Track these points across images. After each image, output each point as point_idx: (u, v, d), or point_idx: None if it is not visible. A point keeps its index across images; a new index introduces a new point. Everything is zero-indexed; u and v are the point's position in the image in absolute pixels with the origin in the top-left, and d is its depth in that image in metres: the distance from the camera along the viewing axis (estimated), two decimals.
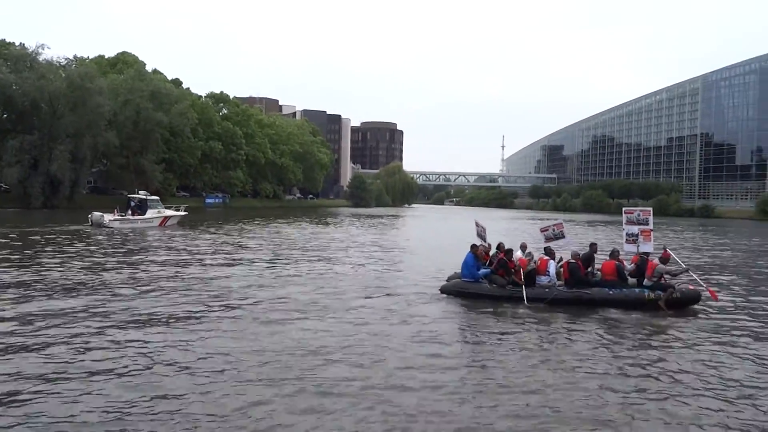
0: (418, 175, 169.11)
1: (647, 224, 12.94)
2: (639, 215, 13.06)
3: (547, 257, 12.34)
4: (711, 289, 12.76)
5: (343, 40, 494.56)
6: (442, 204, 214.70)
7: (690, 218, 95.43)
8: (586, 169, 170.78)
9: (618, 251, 12.68)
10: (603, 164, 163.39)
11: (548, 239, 13.28)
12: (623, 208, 13.92)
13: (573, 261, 12.17)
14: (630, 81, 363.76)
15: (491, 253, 13.37)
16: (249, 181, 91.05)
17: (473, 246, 12.80)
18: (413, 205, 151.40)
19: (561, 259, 12.65)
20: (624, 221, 13.39)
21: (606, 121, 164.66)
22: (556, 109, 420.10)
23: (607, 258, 12.54)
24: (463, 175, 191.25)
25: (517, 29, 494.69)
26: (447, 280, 13.35)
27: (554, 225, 13.42)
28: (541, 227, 13.71)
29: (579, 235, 37.50)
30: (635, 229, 12.97)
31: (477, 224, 14.51)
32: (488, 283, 12.28)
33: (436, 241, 30.82)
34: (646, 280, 11.90)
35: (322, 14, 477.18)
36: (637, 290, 11.81)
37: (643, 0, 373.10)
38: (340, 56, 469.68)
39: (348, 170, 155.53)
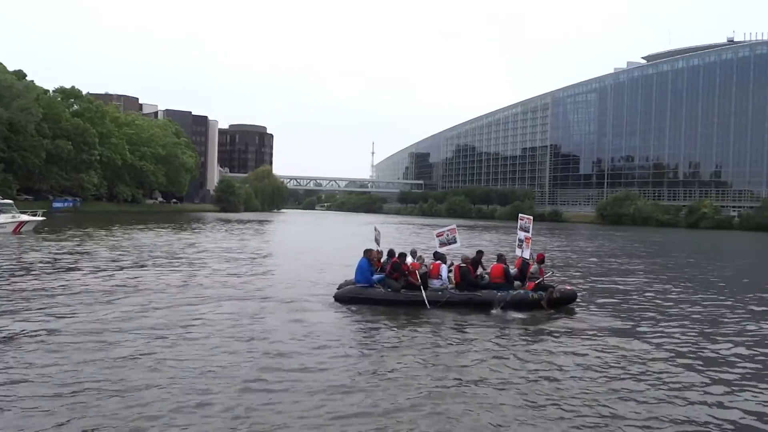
0: (288, 180, 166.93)
1: (528, 231, 13.69)
2: (525, 222, 13.78)
3: (438, 261, 12.57)
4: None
5: (211, 38, 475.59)
6: (313, 209, 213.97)
7: (541, 222, 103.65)
8: (450, 176, 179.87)
9: (503, 255, 13.30)
10: (466, 171, 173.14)
11: (442, 244, 13.55)
12: (519, 214, 14.64)
13: (464, 265, 12.50)
14: (490, 93, 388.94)
15: (383, 259, 13.36)
16: (104, 184, 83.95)
17: (367, 251, 12.66)
18: (283, 210, 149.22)
19: (452, 264, 12.95)
20: (518, 227, 14.07)
21: (468, 131, 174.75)
22: (423, 117, 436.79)
23: (495, 261, 13.07)
24: (334, 181, 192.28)
25: (383, 37, 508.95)
26: (338, 288, 13.06)
27: (448, 230, 13.72)
28: (436, 233, 13.95)
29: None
30: (522, 234, 13.67)
31: (375, 229, 14.46)
32: (383, 288, 12.22)
33: (313, 247, 30.43)
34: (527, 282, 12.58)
35: (188, 9, 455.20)
36: (522, 291, 12.43)
37: (504, 18, 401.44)
38: (207, 55, 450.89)
39: (215, 174, 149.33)
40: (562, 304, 12.47)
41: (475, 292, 12.17)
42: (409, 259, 13.09)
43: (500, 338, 9.76)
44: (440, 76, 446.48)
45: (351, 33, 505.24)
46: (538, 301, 12.19)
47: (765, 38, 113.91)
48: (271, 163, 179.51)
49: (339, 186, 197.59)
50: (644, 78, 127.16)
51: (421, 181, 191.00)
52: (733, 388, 7.39)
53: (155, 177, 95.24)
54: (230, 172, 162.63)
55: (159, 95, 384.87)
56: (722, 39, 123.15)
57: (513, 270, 13.20)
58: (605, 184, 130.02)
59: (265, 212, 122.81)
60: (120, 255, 21.42)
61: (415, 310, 11.56)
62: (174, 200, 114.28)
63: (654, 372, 7.97)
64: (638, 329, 10.84)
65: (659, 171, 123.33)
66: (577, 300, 12.92)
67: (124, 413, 5.83)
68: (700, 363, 8.52)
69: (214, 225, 52.58)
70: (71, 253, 21.46)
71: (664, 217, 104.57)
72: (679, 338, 10.21)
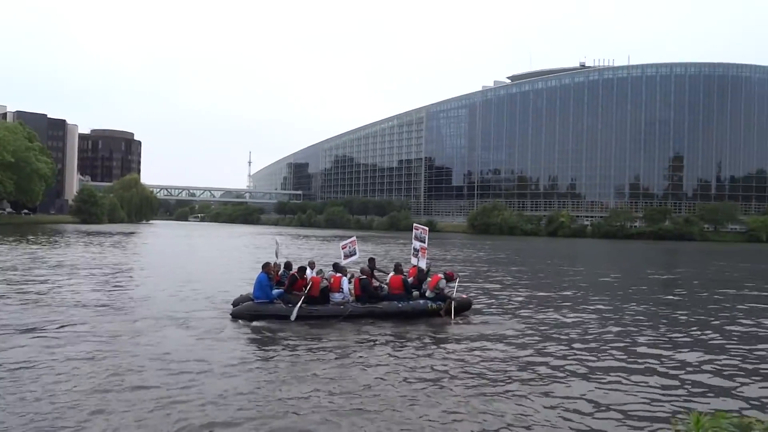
0: (158, 190, 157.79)
1: (424, 242, 14.04)
2: (420, 233, 14.10)
3: (339, 274, 12.48)
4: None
5: (70, 34, 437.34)
6: (186, 220, 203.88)
7: None
8: (328, 187, 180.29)
9: (400, 265, 13.51)
10: (344, 182, 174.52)
11: (346, 256, 13.50)
12: (414, 224, 14.91)
13: (364, 277, 12.53)
14: (368, 106, 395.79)
15: (281, 272, 13.03)
16: None
17: (265, 265, 12.25)
18: (153, 222, 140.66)
19: (352, 276, 12.93)
20: (413, 236, 14.32)
21: (346, 142, 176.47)
22: (302, 128, 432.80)
23: (393, 272, 13.24)
24: (209, 190, 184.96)
25: (260, 45, 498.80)
26: (234, 304, 12.48)
27: (350, 242, 13.73)
28: (341, 245, 13.92)
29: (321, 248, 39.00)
30: (418, 244, 13.97)
31: (277, 242, 14.06)
32: (283, 303, 11.87)
33: (190, 260, 28.97)
34: (428, 291, 12.89)
35: (47, 5, 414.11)
36: (421, 302, 12.75)
37: (381, 35, 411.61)
38: (65, 54, 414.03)
39: (75, 182, 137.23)
40: (459, 312, 12.92)
41: (376, 305, 12.25)
42: (308, 272, 12.88)
43: (401, 349, 9.87)
44: (319, 87, 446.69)
45: (225, 37, 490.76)
46: (437, 310, 12.55)
47: (611, 64, 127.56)
48: (139, 171, 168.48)
49: (214, 196, 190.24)
50: (509, 96, 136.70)
51: (300, 192, 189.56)
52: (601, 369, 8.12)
53: (3, 186, 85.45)
54: (92, 180, 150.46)
55: (8, 96, 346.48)
56: (575, 63, 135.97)
57: (410, 279, 13.47)
58: (475, 195, 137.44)
59: (132, 224, 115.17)
60: None
61: (317, 326, 11.36)
62: (25, 211, 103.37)
63: (545, 365, 8.58)
64: (526, 331, 11.59)
65: (523, 183, 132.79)
66: (472, 307, 13.46)
67: None
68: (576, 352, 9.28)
69: (73, 237, 48.11)
70: None
71: (527, 226, 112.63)
72: (559, 333, 11.12)
